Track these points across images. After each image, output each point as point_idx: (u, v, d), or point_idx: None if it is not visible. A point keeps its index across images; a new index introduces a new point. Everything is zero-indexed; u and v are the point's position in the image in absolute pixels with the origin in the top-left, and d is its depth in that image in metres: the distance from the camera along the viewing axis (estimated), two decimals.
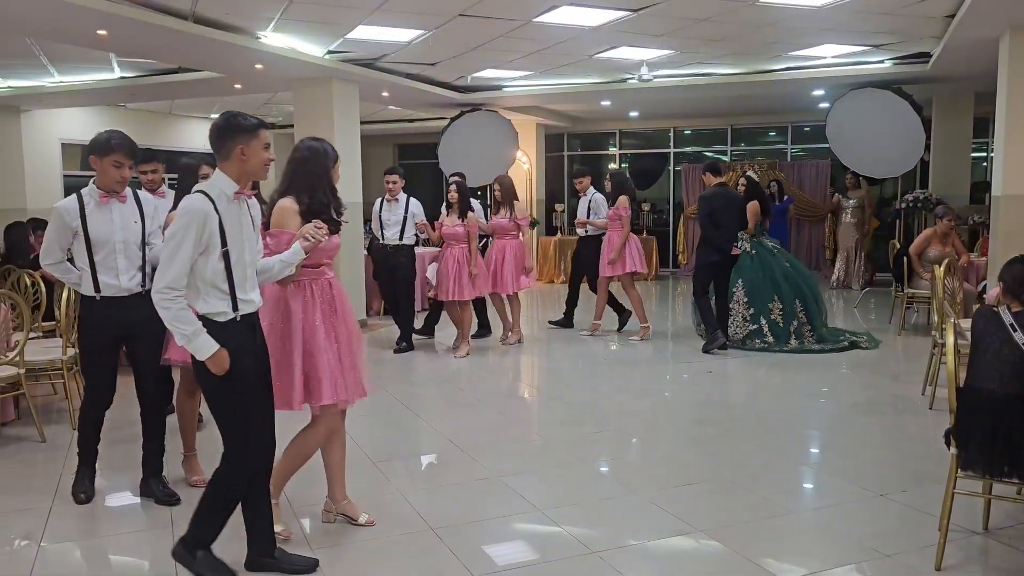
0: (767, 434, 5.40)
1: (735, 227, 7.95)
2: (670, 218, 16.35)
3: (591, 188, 9.08)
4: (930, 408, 5.85)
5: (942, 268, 5.98)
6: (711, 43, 9.32)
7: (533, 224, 14.67)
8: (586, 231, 9.09)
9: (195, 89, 11.66)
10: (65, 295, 5.52)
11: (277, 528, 3.59)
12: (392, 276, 8.28)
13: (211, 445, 5.16)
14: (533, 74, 11.52)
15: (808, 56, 10.31)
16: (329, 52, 9.51)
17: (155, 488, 4.20)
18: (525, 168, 15.28)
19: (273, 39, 8.74)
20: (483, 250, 8.51)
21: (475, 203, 8.42)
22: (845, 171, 13.07)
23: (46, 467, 4.85)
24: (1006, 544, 3.67)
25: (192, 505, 4.14)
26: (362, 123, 11.25)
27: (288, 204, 3.57)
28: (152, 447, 4.25)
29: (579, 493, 4.38)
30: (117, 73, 10.83)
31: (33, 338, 5.80)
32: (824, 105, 12.67)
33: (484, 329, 8.94)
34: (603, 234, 8.79)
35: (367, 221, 9.65)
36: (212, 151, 3.24)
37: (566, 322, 9.42)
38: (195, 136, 15.63)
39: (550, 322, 9.58)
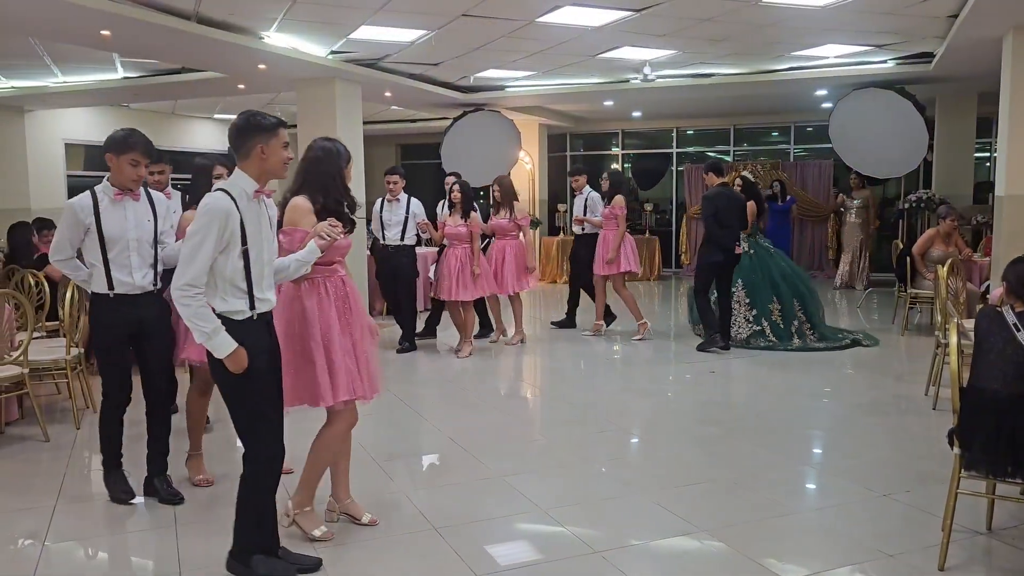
0: (770, 434, 5.40)
1: (738, 227, 7.96)
2: (672, 218, 16.35)
3: (587, 187, 9.08)
4: (933, 408, 5.84)
5: (945, 268, 5.97)
6: (714, 43, 9.32)
7: (536, 224, 14.69)
8: (583, 229, 9.10)
9: (198, 89, 11.68)
10: (69, 295, 5.53)
11: (317, 532, 3.63)
12: (394, 277, 8.27)
13: (212, 447, 5.19)
14: (536, 74, 11.52)
15: (811, 56, 10.30)
16: (332, 52, 9.52)
17: (159, 487, 4.21)
18: (528, 168, 15.29)
19: (276, 39, 8.75)
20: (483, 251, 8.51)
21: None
22: (848, 171, 13.06)
23: (50, 466, 4.86)
24: (1009, 544, 3.67)
25: (195, 504, 4.18)
26: (365, 123, 11.26)
27: (302, 202, 3.59)
28: (158, 447, 4.25)
29: (582, 493, 4.38)
30: (120, 73, 10.85)
31: (37, 338, 5.82)
32: (827, 105, 12.67)
33: (486, 329, 8.94)
34: (598, 233, 8.82)
35: (368, 221, 9.66)
36: (230, 150, 3.26)
37: (568, 322, 9.42)
38: (198, 136, 15.65)
39: (552, 322, 9.58)
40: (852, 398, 6.40)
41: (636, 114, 15.60)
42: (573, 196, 9.44)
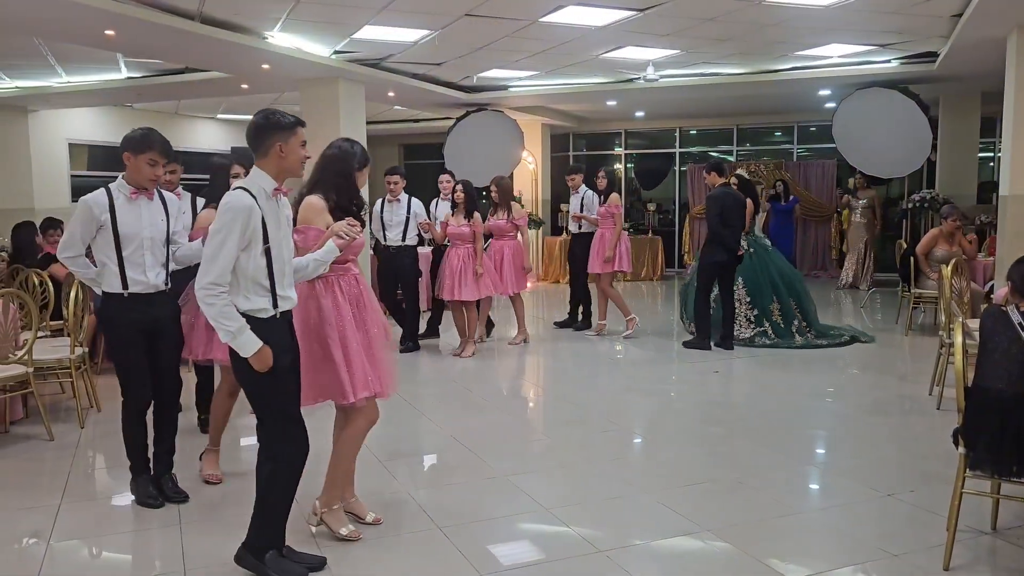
0: (774, 434, 5.39)
1: (740, 227, 7.98)
2: (675, 218, 16.34)
3: (583, 186, 9.09)
4: (937, 408, 5.84)
5: (949, 268, 5.97)
6: (717, 43, 9.32)
7: (539, 224, 14.69)
8: (579, 227, 9.11)
9: (202, 89, 11.69)
10: (73, 294, 5.54)
11: (344, 530, 3.63)
12: (395, 277, 8.24)
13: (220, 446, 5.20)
14: (539, 74, 11.52)
15: (814, 56, 10.29)
16: (335, 52, 9.53)
17: (164, 486, 4.21)
18: (531, 168, 15.29)
19: (280, 39, 8.76)
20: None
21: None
22: (852, 171, 13.05)
23: (54, 465, 4.87)
24: (1014, 544, 3.66)
25: (200, 503, 4.19)
26: (368, 123, 11.27)
27: (316, 201, 3.60)
28: (164, 447, 4.25)
29: (585, 492, 4.38)
30: (124, 73, 10.87)
31: (41, 337, 5.83)
32: (830, 105, 12.66)
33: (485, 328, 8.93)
34: (594, 231, 8.84)
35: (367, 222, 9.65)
36: (249, 149, 3.26)
37: (571, 322, 9.42)
38: (201, 136, 15.66)
39: (555, 323, 9.58)
40: (856, 398, 6.40)
41: (639, 114, 15.59)
42: (560, 195, 9.44)
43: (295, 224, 3.56)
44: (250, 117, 3.33)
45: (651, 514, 4.04)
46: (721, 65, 10.90)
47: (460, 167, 12.27)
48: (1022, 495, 3.70)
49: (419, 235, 8.15)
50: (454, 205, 7.99)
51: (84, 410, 5.72)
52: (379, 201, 8.21)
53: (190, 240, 4.32)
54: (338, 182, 3.65)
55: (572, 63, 10.54)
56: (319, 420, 3.81)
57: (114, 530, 3.96)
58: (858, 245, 12.77)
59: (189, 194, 5.29)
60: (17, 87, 11.78)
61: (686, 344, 8.21)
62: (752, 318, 8.30)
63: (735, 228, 7.86)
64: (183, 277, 4.34)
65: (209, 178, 4.79)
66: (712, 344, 8.02)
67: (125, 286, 3.96)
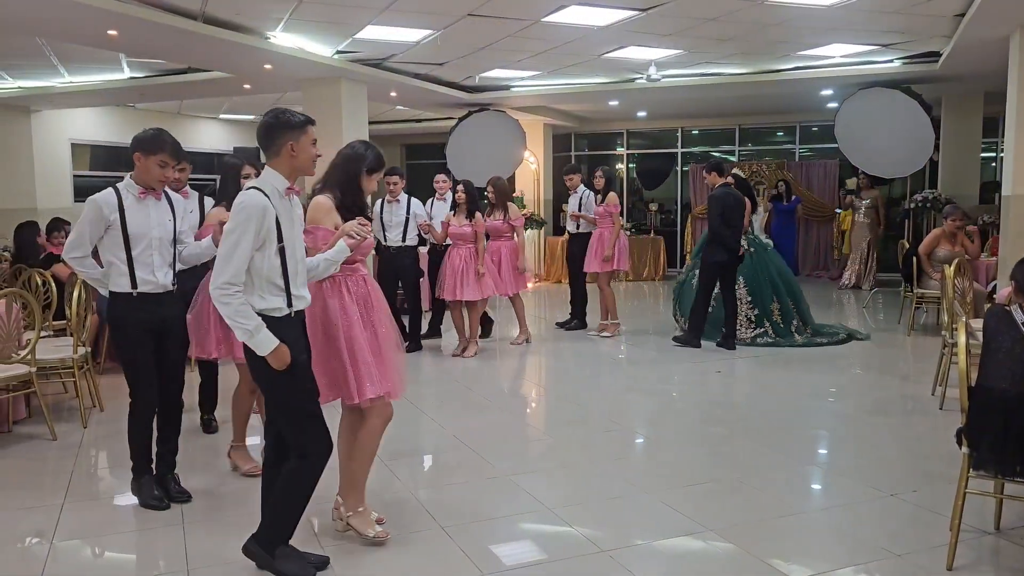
0: (776, 434, 5.39)
1: (741, 227, 7.99)
2: (678, 218, 16.33)
3: (581, 185, 9.09)
4: (940, 408, 5.83)
5: (952, 268, 5.96)
6: (719, 43, 9.32)
7: (541, 224, 14.70)
8: (577, 227, 9.11)
9: (204, 89, 11.71)
10: (76, 294, 5.55)
11: (371, 532, 3.60)
12: (396, 278, 8.22)
13: (208, 454, 5.20)
14: (541, 74, 11.52)
15: (816, 56, 10.29)
16: (338, 52, 9.53)
17: (167, 486, 4.21)
18: (533, 168, 15.29)
19: (282, 39, 8.77)
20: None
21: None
22: (854, 171, 13.04)
23: (57, 465, 4.87)
24: (1018, 544, 3.66)
25: (203, 502, 4.19)
26: (370, 123, 11.28)
27: (324, 201, 3.61)
28: (168, 446, 4.25)
29: (587, 492, 4.38)
30: (127, 73, 10.88)
31: (44, 337, 5.84)
32: (832, 105, 12.66)
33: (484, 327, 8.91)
34: (591, 231, 8.85)
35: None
36: (257, 148, 3.26)
37: (572, 322, 9.41)
38: (203, 136, 15.67)
39: (557, 323, 9.57)
40: (858, 398, 6.39)
41: (641, 114, 15.59)
42: (563, 195, 9.44)
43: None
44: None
45: (653, 514, 4.04)
46: (723, 65, 10.89)
47: (462, 167, 12.29)
48: None
49: (419, 235, 8.12)
50: (455, 205, 7.99)
51: (87, 410, 5.72)
52: (379, 202, 8.19)
53: (198, 238, 4.32)
54: (343, 181, 3.64)
55: (574, 63, 10.55)
56: (331, 419, 3.79)
57: (117, 530, 3.96)
58: (861, 245, 12.75)
59: (197, 193, 5.30)
60: (20, 87, 11.79)
61: (676, 340, 8.26)
62: (753, 318, 8.31)
63: (736, 228, 7.87)
64: (188, 277, 4.34)
65: (220, 177, 4.80)
66: (701, 343, 8.06)
67: (134, 285, 3.95)
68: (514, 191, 15.37)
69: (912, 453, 5.01)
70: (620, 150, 17.12)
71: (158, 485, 4.19)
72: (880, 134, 11.21)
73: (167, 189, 4.19)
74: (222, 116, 15.82)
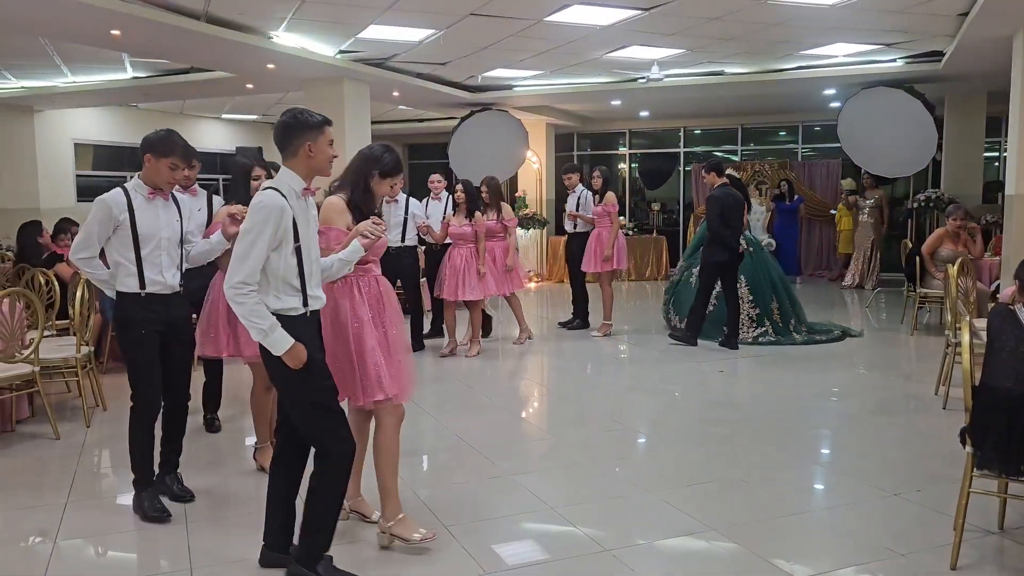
0: (779, 433, 5.38)
1: (740, 227, 8.01)
2: (680, 218, 16.32)
3: (579, 185, 9.08)
4: (944, 408, 5.82)
5: (955, 267, 5.95)
6: (722, 42, 9.31)
7: (543, 224, 14.70)
8: (575, 227, 9.10)
9: (207, 89, 11.72)
10: (79, 293, 5.56)
11: (417, 535, 3.55)
12: (396, 277, 8.20)
13: (222, 445, 5.21)
14: (543, 73, 11.52)
15: (819, 55, 10.28)
16: (340, 52, 9.54)
17: (170, 485, 4.21)
18: (535, 168, 15.29)
19: (285, 39, 8.77)
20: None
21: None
22: (856, 171, 13.02)
23: (60, 464, 4.88)
24: (1022, 544, 3.65)
25: (206, 502, 4.19)
26: (373, 123, 11.28)
27: (336, 201, 3.59)
28: (172, 447, 4.25)
29: (590, 492, 4.37)
30: (130, 73, 10.90)
31: (47, 336, 5.84)
32: (835, 104, 12.65)
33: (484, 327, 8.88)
34: (590, 231, 8.84)
35: None
36: (277, 148, 3.22)
37: (574, 321, 9.39)
38: (206, 136, 15.68)
39: (560, 323, 9.56)
40: (861, 398, 6.39)
41: (643, 114, 15.59)
42: (566, 194, 9.42)
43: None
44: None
45: (656, 513, 4.04)
46: (726, 64, 10.89)
47: (464, 167, 12.30)
48: None
49: (418, 235, 8.09)
50: (455, 205, 7.98)
51: (90, 409, 5.73)
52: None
53: (206, 236, 4.32)
54: (355, 181, 3.61)
55: (577, 62, 10.55)
56: None
57: (120, 529, 3.96)
58: (865, 245, 12.73)
59: (205, 192, 5.30)
60: (23, 87, 11.81)
61: (672, 337, 8.29)
62: (754, 317, 8.34)
63: (736, 228, 7.89)
64: (194, 276, 4.33)
65: (230, 177, 4.80)
66: (701, 342, 8.10)
67: (143, 286, 3.92)
68: (516, 191, 15.40)
69: (915, 453, 5.00)
70: (622, 150, 17.12)
71: (159, 489, 4.19)
72: (883, 134, 11.20)
73: (174, 191, 4.19)
74: (224, 116, 15.83)
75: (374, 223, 3.40)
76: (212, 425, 5.48)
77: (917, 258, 8.78)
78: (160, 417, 4.16)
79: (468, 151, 13.02)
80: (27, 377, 5.26)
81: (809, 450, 5.19)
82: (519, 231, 14.27)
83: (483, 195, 8.27)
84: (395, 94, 12.03)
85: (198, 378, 5.38)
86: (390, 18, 7.98)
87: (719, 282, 8.09)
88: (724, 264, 7.91)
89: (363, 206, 3.60)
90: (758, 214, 14.00)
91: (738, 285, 8.21)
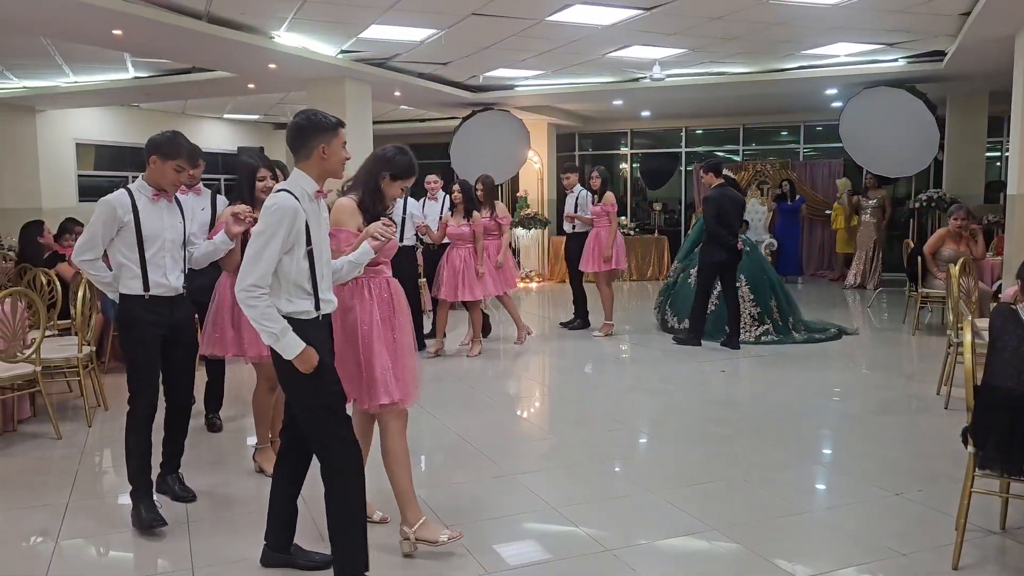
0: (781, 433, 5.38)
1: (738, 226, 8.03)
2: (681, 218, 16.32)
3: (578, 185, 9.07)
4: (945, 408, 5.81)
5: (957, 267, 5.95)
6: (723, 42, 9.31)
7: (545, 224, 14.70)
8: (573, 227, 9.09)
9: (209, 89, 11.73)
10: (81, 293, 5.56)
11: (443, 536, 3.51)
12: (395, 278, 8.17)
13: (213, 453, 5.21)
14: (545, 73, 11.52)
15: (821, 55, 10.27)
16: (342, 52, 9.54)
17: (172, 485, 4.22)
18: (537, 168, 15.29)
19: (287, 39, 8.77)
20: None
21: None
22: (858, 171, 13.01)
23: (62, 464, 4.88)
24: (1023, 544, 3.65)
25: (207, 502, 4.19)
26: (374, 123, 11.28)
27: (347, 203, 3.54)
28: (173, 448, 4.24)
29: (591, 491, 4.37)
30: (131, 73, 10.91)
31: (49, 336, 5.84)
32: (837, 104, 12.63)
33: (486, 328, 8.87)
34: (588, 231, 8.83)
35: None
36: (290, 150, 3.18)
37: (576, 322, 9.39)
38: (208, 136, 15.70)
39: (561, 323, 9.55)
40: (863, 397, 6.38)
41: (645, 113, 15.58)
42: (564, 194, 9.41)
43: None
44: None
45: (657, 513, 4.04)
46: (727, 64, 10.88)
47: (466, 167, 12.29)
48: None
49: (416, 235, 8.06)
50: (452, 206, 7.96)
51: (91, 409, 5.73)
52: None
53: (211, 236, 4.31)
54: (366, 182, 3.56)
55: (578, 62, 10.54)
56: None
57: (121, 529, 3.96)
58: (867, 245, 12.71)
59: (209, 191, 5.29)
60: (25, 87, 11.83)
61: (676, 340, 8.29)
62: (755, 315, 8.37)
63: (733, 228, 7.90)
64: (195, 275, 4.32)
65: (236, 177, 4.79)
66: (701, 342, 8.11)
67: (147, 288, 3.88)
68: (518, 191, 15.40)
69: (917, 452, 5.00)
70: (624, 150, 17.12)
71: (162, 484, 4.19)
72: (885, 133, 11.19)
73: (177, 193, 4.17)
74: (226, 116, 15.85)
75: (384, 225, 3.35)
76: (214, 425, 5.48)
77: (919, 258, 8.77)
78: (163, 418, 4.15)
79: (470, 151, 13.02)
80: (29, 377, 5.26)
81: (811, 450, 5.19)
82: (520, 231, 14.29)
83: (478, 193, 8.23)
84: (397, 94, 12.04)
85: (200, 378, 5.38)
86: (391, 18, 7.98)
87: (719, 283, 8.10)
88: (722, 264, 7.92)
89: (373, 208, 3.55)
90: (760, 214, 14.00)
91: (738, 284, 8.23)
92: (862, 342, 8.51)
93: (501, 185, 15.38)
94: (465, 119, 13.29)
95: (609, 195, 8.76)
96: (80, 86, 11.56)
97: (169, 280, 3.93)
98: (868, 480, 4.43)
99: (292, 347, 3.00)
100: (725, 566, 3.51)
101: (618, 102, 13.46)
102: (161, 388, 4.05)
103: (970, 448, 3.36)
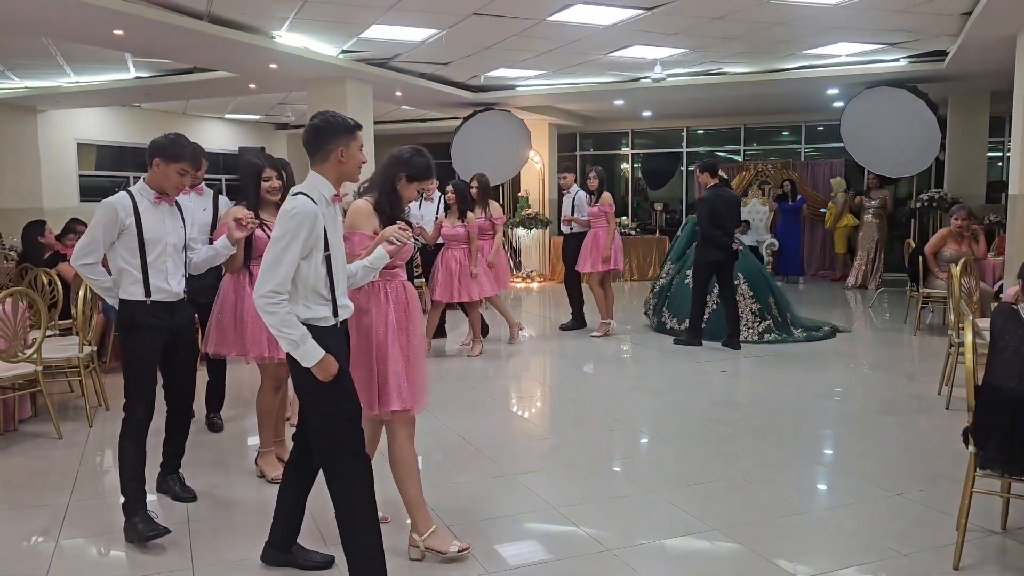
0: (781, 433, 5.38)
1: (732, 226, 8.03)
2: (682, 218, 16.29)
3: (575, 185, 9.05)
4: (946, 408, 5.81)
5: (958, 267, 5.94)
6: (725, 41, 9.30)
7: (546, 224, 14.69)
8: (571, 228, 9.08)
9: (210, 89, 11.74)
10: (82, 293, 5.56)
11: (454, 548, 3.46)
12: None
13: (214, 453, 5.21)
14: (546, 73, 11.52)
15: (822, 54, 10.27)
16: (343, 52, 9.54)
17: (172, 485, 4.22)
18: (538, 168, 15.29)
19: (288, 39, 8.78)
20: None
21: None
22: (860, 171, 13.00)
23: (63, 464, 4.88)
24: None
25: (208, 502, 4.19)
26: (375, 123, 11.29)
27: (362, 205, 3.49)
28: (174, 449, 4.24)
29: (592, 491, 4.37)
30: (132, 73, 10.92)
31: (50, 336, 5.85)
32: (838, 104, 12.63)
33: (488, 331, 8.85)
34: (586, 231, 8.82)
35: None
36: (306, 152, 3.12)
37: (575, 324, 9.36)
38: (209, 136, 15.70)
39: (561, 326, 9.51)
40: (864, 397, 6.38)
41: (646, 113, 15.58)
42: (561, 195, 9.40)
43: None
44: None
45: (658, 513, 4.03)
46: (728, 64, 10.88)
47: (467, 167, 12.30)
48: None
49: (413, 236, 8.03)
50: (447, 206, 7.94)
51: (92, 408, 5.73)
52: None
53: (213, 238, 4.29)
54: (382, 183, 3.52)
55: (579, 62, 10.54)
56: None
57: (122, 528, 3.96)
58: (869, 245, 12.70)
59: (211, 191, 5.28)
60: (26, 87, 11.84)
61: (676, 341, 8.29)
62: (756, 311, 8.38)
63: (727, 228, 7.90)
64: (194, 277, 4.30)
65: (239, 178, 4.75)
66: (702, 343, 8.12)
67: (148, 293, 3.80)
68: (519, 191, 15.40)
69: (918, 452, 4.99)
70: (625, 150, 17.11)
71: (162, 484, 4.19)
72: (886, 133, 11.19)
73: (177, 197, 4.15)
74: (227, 116, 15.86)
75: (400, 228, 3.29)
76: (214, 425, 5.48)
77: (920, 258, 8.77)
78: (162, 419, 4.14)
79: (471, 151, 13.02)
80: (30, 377, 5.26)
81: (811, 450, 5.18)
82: (522, 231, 14.28)
83: (473, 191, 8.20)
84: (398, 94, 12.04)
85: (201, 377, 5.38)
86: (392, 18, 7.99)
87: (716, 284, 8.12)
88: (717, 264, 7.94)
89: (390, 210, 3.49)
90: (761, 214, 14.00)
91: (737, 282, 8.25)
92: (863, 342, 8.50)
93: (502, 185, 15.42)
94: (466, 119, 13.29)
95: (607, 195, 8.74)
96: (81, 86, 11.57)
97: (170, 285, 3.86)
98: (869, 480, 4.42)
99: (311, 355, 2.93)
100: (726, 566, 3.51)
101: (619, 102, 13.46)
102: (161, 391, 4.02)
103: (971, 448, 3.36)
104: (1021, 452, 3.18)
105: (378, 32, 8.58)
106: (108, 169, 14.41)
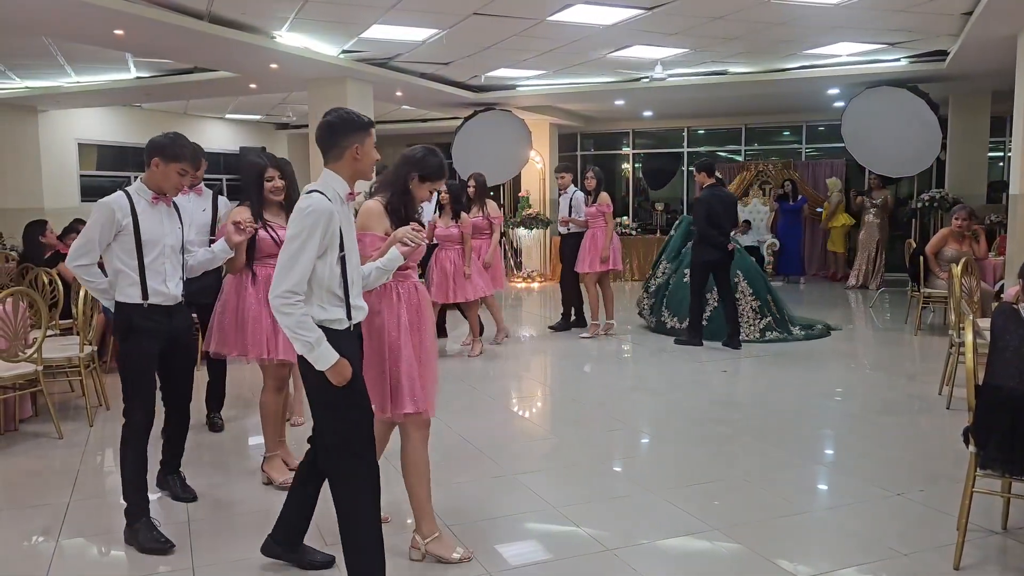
0: (782, 433, 5.37)
1: (728, 226, 8.03)
2: None
3: (572, 185, 9.04)
4: (947, 408, 5.81)
5: (959, 267, 5.94)
6: (725, 41, 9.30)
7: (546, 224, 14.69)
8: (568, 229, 9.06)
9: (210, 89, 11.75)
10: (82, 293, 5.56)
11: (456, 554, 3.46)
12: None
13: (214, 453, 5.21)
14: (547, 73, 11.52)
15: (823, 54, 10.27)
16: (344, 52, 9.54)
17: (173, 484, 4.22)
18: (539, 168, 15.29)
19: (288, 39, 8.78)
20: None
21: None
22: (861, 171, 13.00)
23: (64, 463, 4.88)
24: None
25: (208, 502, 4.19)
26: (376, 123, 11.27)
27: (373, 205, 3.46)
28: (174, 450, 4.24)
29: (592, 491, 4.37)
30: (133, 73, 10.92)
31: (50, 336, 5.85)
32: (839, 104, 12.63)
33: (485, 331, 8.83)
34: (583, 232, 8.81)
35: None
36: (320, 150, 3.06)
37: (565, 324, 9.32)
38: (209, 136, 15.71)
39: (550, 327, 9.45)
40: (864, 397, 6.37)
41: (647, 113, 15.58)
42: (559, 195, 9.38)
43: None
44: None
45: (658, 513, 4.03)
46: (729, 64, 10.88)
47: (468, 167, 12.30)
48: None
49: None
50: (440, 207, 7.93)
51: (93, 408, 5.74)
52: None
53: (214, 239, 4.27)
54: (394, 183, 3.49)
55: (580, 62, 10.54)
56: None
57: (123, 528, 3.96)
58: (870, 245, 12.69)
59: (211, 191, 5.27)
60: (27, 87, 11.84)
61: (677, 341, 8.29)
62: (756, 308, 8.40)
63: (723, 228, 7.91)
64: (193, 279, 4.29)
65: (241, 177, 4.73)
66: (703, 342, 8.13)
67: (145, 296, 3.73)
68: (520, 191, 15.39)
69: (919, 452, 4.99)
70: (626, 150, 17.11)
71: (163, 483, 4.19)
72: (887, 133, 11.18)
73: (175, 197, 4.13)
74: (228, 116, 15.86)
75: (414, 229, 3.24)
76: (215, 425, 5.48)
77: (921, 258, 8.76)
78: (162, 421, 4.14)
79: (471, 151, 13.02)
80: (30, 376, 5.27)
81: (812, 450, 5.18)
82: (522, 231, 14.27)
83: (469, 190, 8.19)
84: (398, 94, 12.04)
85: (201, 377, 5.39)
86: (393, 18, 7.99)
87: (714, 284, 8.14)
88: (714, 264, 7.95)
89: (403, 210, 3.45)
90: (762, 214, 13.99)
91: (736, 280, 8.26)
92: (864, 342, 8.50)
93: (503, 185, 15.42)
94: (467, 119, 13.29)
95: (604, 195, 8.69)
96: (82, 86, 11.58)
97: (168, 287, 3.79)
98: (869, 480, 4.42)
99: (326, 358, 2.87)
100: (726, 566, 3.51)
101: (620, 102, 13.45)
102: (160, 393, 4.01)
103: (971, 448, 3.35)
104: (1022, 452, 3.18)
105: (378, 32, 8.58)
106: (109, 169, 14.41)
